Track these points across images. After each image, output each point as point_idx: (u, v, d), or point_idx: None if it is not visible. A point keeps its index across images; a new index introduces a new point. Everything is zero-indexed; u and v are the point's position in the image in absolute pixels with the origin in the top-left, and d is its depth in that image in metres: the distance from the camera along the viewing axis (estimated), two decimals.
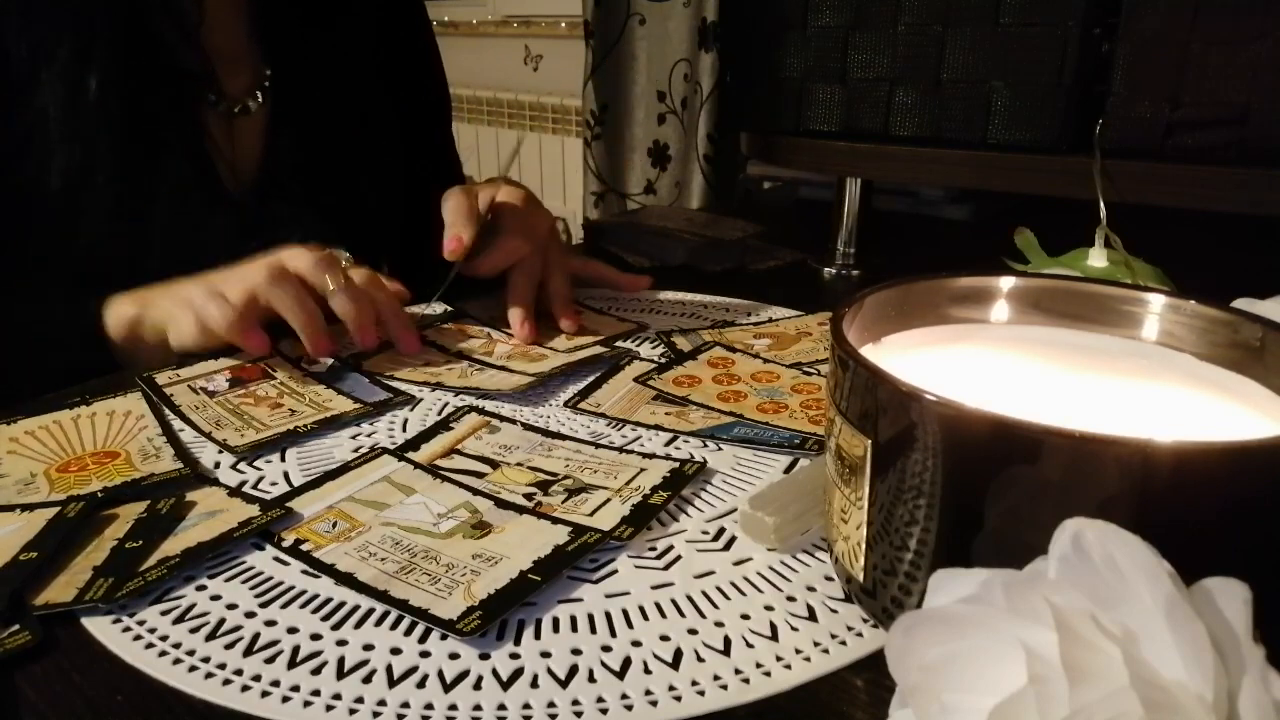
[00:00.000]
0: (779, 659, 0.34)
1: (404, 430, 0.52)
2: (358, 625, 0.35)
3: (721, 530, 0.42)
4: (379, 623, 0.35)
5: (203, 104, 0.71)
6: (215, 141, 0.72)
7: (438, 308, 0.71)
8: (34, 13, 0.64)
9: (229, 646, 0.34)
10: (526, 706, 0.31)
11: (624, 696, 0.32)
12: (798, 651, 0.34)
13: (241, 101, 0.73)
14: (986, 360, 0.38)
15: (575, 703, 0.31)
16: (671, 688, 0.32)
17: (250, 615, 0.36)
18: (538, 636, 0.35)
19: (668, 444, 0.50)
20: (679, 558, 0.40)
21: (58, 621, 0.35)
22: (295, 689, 0.32)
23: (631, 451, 0.49)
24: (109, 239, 0.67)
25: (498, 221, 0.69)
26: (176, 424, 0.52)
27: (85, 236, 0.67)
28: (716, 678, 0.33)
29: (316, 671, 0.33)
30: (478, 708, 0.31)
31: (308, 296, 0.58)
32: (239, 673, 0.33)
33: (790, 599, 0.37)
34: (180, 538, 0.40)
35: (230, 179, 0.73)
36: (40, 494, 0.44)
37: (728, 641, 0.34)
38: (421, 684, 0.32)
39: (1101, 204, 0.63)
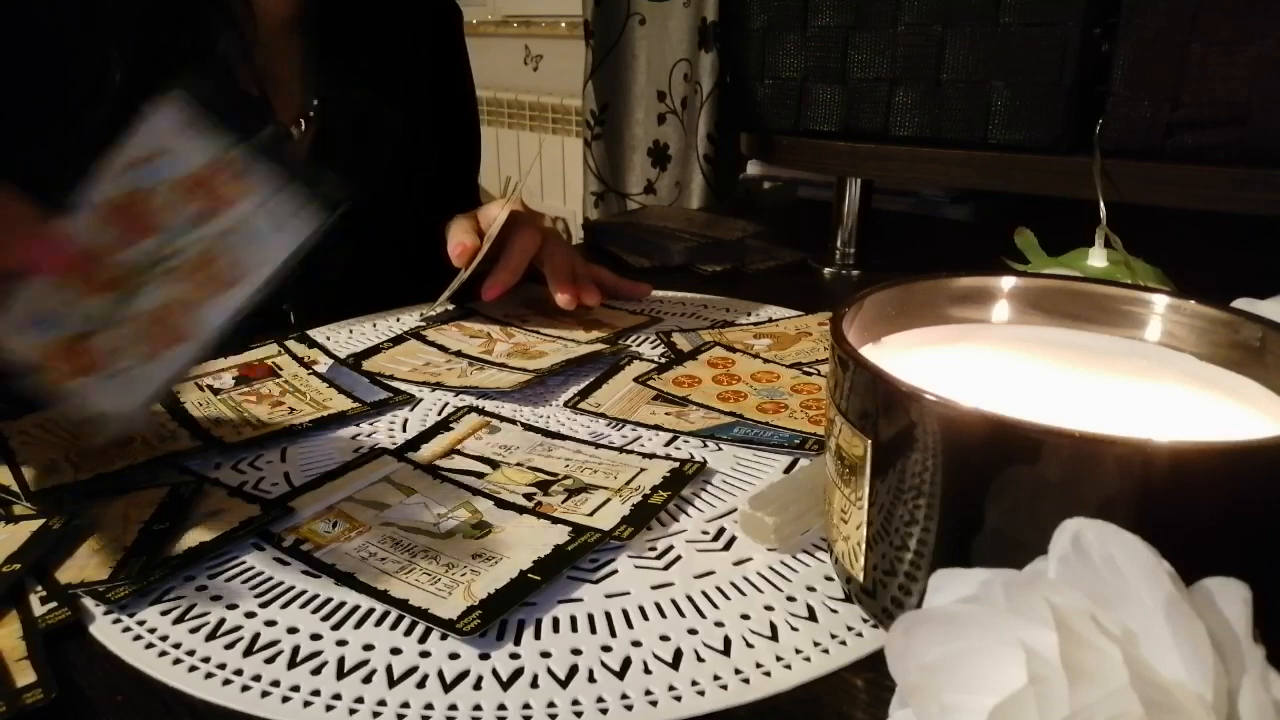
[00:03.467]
0: (779, 659, 0.34)
1: (404, 430, 0.52)
2: (358, 625, 0.35)
3: (721, 530, 0.42)
4: (379, 623, 0.35)
5: (256, 129, 0.71)
6: None
7: (440, 308, 0.71)
8: (93, 32, 0.64)
9: (229, 646, 0.34)
10: (526, 706, 0.31)
11: (624, 696, 0.32)
12: (798, 651, 0.34)
13: (285, 128, 0.73)
14: (986, 360, 0.38)
15: (575, 703, 0.31)
16: (671, 688, 0.32)
17: (250, 615, 0.36)
18: (538, 636, 0.35)
19: (668, 444, 0.50)
20: (679, 558, 0.40)
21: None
22: (295, 689, 0.32)
23: (631, 451, 0.49)
24: None
25: (503, 233, 0.69)
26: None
27: None
28: (716, 678, 0.33)
29: (316, 671, 0.33)
30: (478, 708, 0.31)
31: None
32: (239, 673, 0.33)
33: (790, 599, 0.37)
34: (180, 538, 0.40)
35: None
36: (65, 478, 0.45)
37: (728, 641, 0.34)
38: (421, 684, 0.32)
39: (1101, 204, 0.63)
